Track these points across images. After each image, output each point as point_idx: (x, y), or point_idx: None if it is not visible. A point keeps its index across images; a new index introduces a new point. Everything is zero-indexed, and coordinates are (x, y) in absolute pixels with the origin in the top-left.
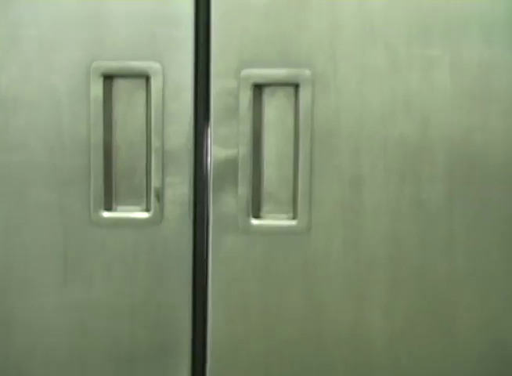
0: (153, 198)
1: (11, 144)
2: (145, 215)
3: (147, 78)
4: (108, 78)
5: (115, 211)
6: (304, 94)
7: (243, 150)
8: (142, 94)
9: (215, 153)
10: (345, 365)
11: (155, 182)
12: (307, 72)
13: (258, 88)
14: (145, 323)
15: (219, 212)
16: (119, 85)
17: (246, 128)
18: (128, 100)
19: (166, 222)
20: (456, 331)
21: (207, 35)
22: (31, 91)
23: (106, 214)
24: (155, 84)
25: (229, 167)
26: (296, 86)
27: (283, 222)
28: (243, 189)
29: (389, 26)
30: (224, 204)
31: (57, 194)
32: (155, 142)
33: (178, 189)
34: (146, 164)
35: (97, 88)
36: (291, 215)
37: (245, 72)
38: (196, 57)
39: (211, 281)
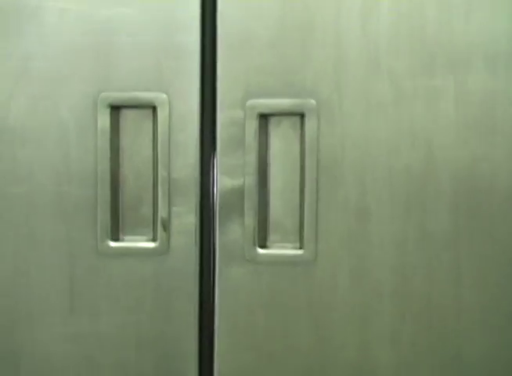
0: (159, 228)
1: (18, 175)
2: (151, 244)
3: (154, 109)
4: (115, 109)
5: (122, 241)
6: (310, 124)
7: (249, 179)
8: (148, 124)
9: (222, 183)
10: None
11: (161, 212)
12: (312, 102)
13: (264, 118)
14: (151, 355)
15: (226, 242)
16: (126, 116)
17: (252, 157)
18: (135, 131)
19: (172, 252)
20: (463, 363)
21: (213, 66)
22: (39, 122)
23: (112, 244)
24: (161, 114)
25: (236, 196)
26: (301, 116)
27: (289, 251)
28: (250, 219)
29: (393, 56)
30: (230, 234)
31: (64, 225)
32: (161, 173)
33: (185, 219)
34: (153, 194)
35: (104, 119)
36: (297, 244)
37: (251, 102)
38: (202, 88)
39: (218, 311)
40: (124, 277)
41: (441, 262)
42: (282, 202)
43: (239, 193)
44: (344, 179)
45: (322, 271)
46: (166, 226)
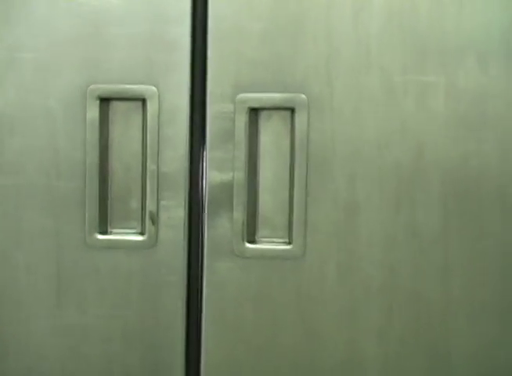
0: (147, 221)
1: (6, 167)
2: (139, 238)
3: (143, 102)
4: (104, 101)
5: (110, 234)
6: (300, 118)
7: (239, 174)
8: (138, 117)
9: (211, 177)
10: None
11: (150, 206)
12: (302, 97)
13: (254, 113)
14: (138, 347)
15: (214, 236)
16: (115, 108)
17: (241, 152)
18: (124, 123)
19: (160, 245)
20: (450, 358)
21: (205, 59)
22: (27, 114)
23: (100, 237)
24: (151, 107)
25: (225, 191)
26: (292, 111)
27: (278, 246)
28: (238, 214)
29: (385, 52)
30: (219, 228)
31: (52, 217)
32: (150, 166)
33: (173, 212)
34: (142, 187)
35: (93, 111)
36: (286, 239)
37: (241, 96)
38: (192, 81)
39: (205, 305)
40: (112, 270)
41: (429, 258)
42: (271, 197)
43: (228, 187)
44: (334, 174)
45: (311, 266)
46: (154, 220)
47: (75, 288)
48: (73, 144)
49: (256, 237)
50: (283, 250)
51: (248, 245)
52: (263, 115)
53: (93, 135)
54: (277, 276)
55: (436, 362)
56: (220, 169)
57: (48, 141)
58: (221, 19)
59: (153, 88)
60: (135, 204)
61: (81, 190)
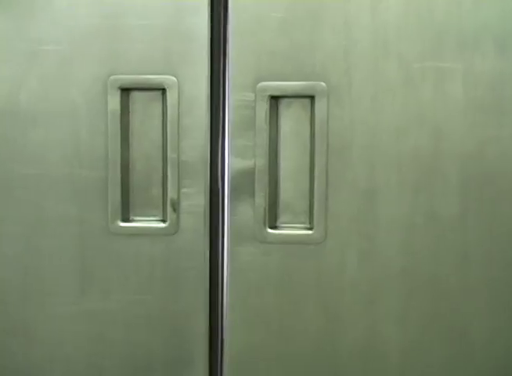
0: (169, 209)
1: (30, 157)
2: (161, 225)
3: (163, 91)
4: (125, 92)
5: (132, 221)
6: (320, 106)
7: (260, 161)
8: (158, 107)
9: (232, 164)
10: (359, 375)
11: (171, 193)
12: (322, 84)
13: (275, 101)
14: (161, 333)
15: (236, 222)
16: (135, 99)
17: (262, 139)
18: (145, 113)
19: (182, 232)
20: (469, 342)
21: (224, 49)
22: (50, 105)
23: (123, 224)
24: (170, 97)
25: (246, 178)
26: (311, 98)
27: (299, 232)
28: (260, 200)
29: (402, 39)
30: (241, 215)
31: (75, 206)
32: (171, 154)
33: (194, 199)
34: (163, 175)
35: (114, 101)
36: (307, 225)
37: (261, 85)
38: (211, 71)
39: (228, 291)
40: (135, 257)
41: (448, 243)
42: (292, 183)
43: (249, 174)
44: (353, 161)
45: (331, 251)
46: (175, 207)
47: (99, 275)
48: (94, 134)
49: (277, 223)
50: (304, 235)
51: (270, 231)
52: (283, 103)
53: (114, 125)
54: (298, 261)
55: (456, 346)
56: (241, 156)
57: (71, 131)
58: (242, 10)
59: (173, 78)
60: (156, 191)
61: (104, 179)
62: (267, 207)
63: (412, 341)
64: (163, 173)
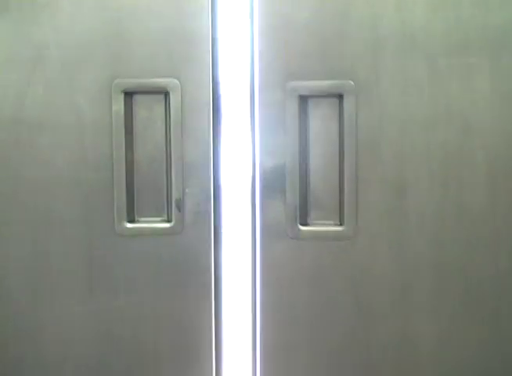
0: (173, 209)
1: (37, 160)
2: (166, 225)
3: (166, 94)
4: (128, 95)
5: (138, 222)
6: (348, 104)
7: (290, 159)
8: (161, 109)
9: (263, 162)
10: (392, 368)
11: (175, 194)
12: (350, 83)
13: (304, 99)
14: (168, 330)
15: (268, 219)
16: (139, 101)
17: (292, 137)
18: (148, 115)
19: (187, 231)
20: (502, 332)
21: (252, 49)
22: (55, 110)
23: (129, 225)
24: (174, 99)
25: (277, 176)
26: (340, 97)
27: (330, 228)
28: (291, 197)
29: (429, 36)
30: (272, 212)
31: (82, 207)
32: (174, 155)
33: (198, 199)
34: (166, 176)
35: (118, 105)
36: (338, 221)
37: (291, 84)
38: (213, 73)
39: (261, 286)
40: (141, 257)
41: (478, 235)
42: (322, 180)
43: (280, 172)
44: (383, 157)
45: (363, 246)
46: (180, 207)
47: (106, 275)
48: (99, 137)
49: (308, 220)
50: (335, 231)
51: (301, 227)
52: (312, 102)
53: (119, 128)
54: (330, 257)
55: (487, 336)
56: (272, 155)
57: (76, 135)
58: (270, 10)
59: (176, 80)
60: (160, 192)
61: (109, 181)
62: (298, 205)
63: (445, 332)
64: (167, 174)
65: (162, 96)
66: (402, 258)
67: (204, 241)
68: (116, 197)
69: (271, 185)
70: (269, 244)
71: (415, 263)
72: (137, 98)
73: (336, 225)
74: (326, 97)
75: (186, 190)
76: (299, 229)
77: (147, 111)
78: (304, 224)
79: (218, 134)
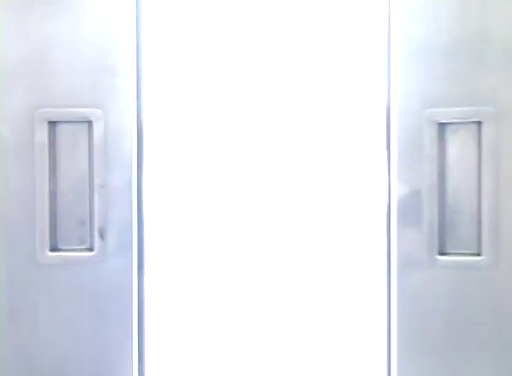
0: (96, 238)
1: None
2: (89, 253)
3: (90, 124)
4: (52, 124)
5: (60, 251)
6: (488, 131)
7: (428, 186)
8: (84, 138)
9: (399, 189)
10: None
11: (98, 222)
12: (490, 109)
13: (441, 126)
14: (90, 360)
15: (403, 249)
16: (63, 130)
17: (430, 165)
18: (72, 144)
19: (109, 260)
20: None
21: (388, 75)
22: None
23: (51, 254)
24: (97, 129)
25: (413, 203)
26: (479, 123)
27: (469, 258)
28: (428, 225)
29: None
30: (408, 241)
31: (3, 236)
32: (97, 184)
33: (121, 228)
34: (89, 205)
35: (42, 134)
36: (476, 250)
37: (429, 111)
38: (138, 104)
39: (397, 315)
40: (63, 286)
41: None
42: (460, 208)
43: (417, 200)
44: None
45: (504, 277)
46: (103, 236)
47: (28, 305)
48: (22, 166)
49: (445, 248)
50: (474, 261)
51: (439, 257)
52: (450, 128)
53: (42, 157)
54: (468, 288)
55: None
56: (408, 182)
57: None
58: (406, 36)
59: (99, 110)
60: (83, 221)
61: (31, 209)
62: (435, 233)
63: None
64: (90, 203)
65: (86, 125)
66: None
67: (127, 270)
68: (38, 225)
69: (407, 213)
70: (405, 273)
71: None
72: (61, 127)
73: (474, 254)
74: (464, 124)
75: (110, 219)
76: (436, 258)
77: (71, 140)
78: (442, 253)
79: (142, 162)
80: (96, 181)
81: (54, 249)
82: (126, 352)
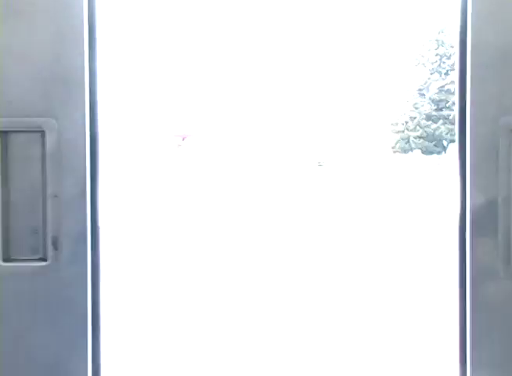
0: (49, 247)
1: None
2: (42, 263)
3: (42, 133)
4: (4, 134)
5: (13, 261)
6: None
7: (504, 195)
8: (38, 148)
9: (474, 198)
10: None
11: (51, 232)
12: None
13: None
14: (43, 372)
15: (478, 259)
16: (15, 140)
17: (506, 173)
18: (25, 154)
19: (63, 270)
20: None
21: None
22: None
23: (4, 264)
24: (50, 138)
25: (489, 213)
26: None
27: None
28: (504, 236)
29: None
30: (483, 251)
31: None
32: (51, 194)
33: (75, 238)
34: (43, 214)
35: None
36: None
37: (505, 119)
38: (93, 113)
39: (471, 327)
40: (16, 296)
41: None
42: None
43: (492, 209)
44: None
45: None
46: (56, 245)
47: None
48: None
49: None
50: None
51: None
52: None
53: None
54: None
55: None
56: (484, 191)
57: None
58: (482, 41)
59: (52, 120)
60: (37, 231)
61: None
62: (510, 243)
63: None
64: (43, 212)
65: (39, 135)
66: None
67: (81, 280)
68: None
69: (482, 222)
70: (480, 284)
71: None
72: (13, 137)
73: None
74: None
75: (64, 228)
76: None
77: (24, 150)
78: None
79: (96, 171)
80: (49, 191)
81: (7, 259)
82: (80, 364)
